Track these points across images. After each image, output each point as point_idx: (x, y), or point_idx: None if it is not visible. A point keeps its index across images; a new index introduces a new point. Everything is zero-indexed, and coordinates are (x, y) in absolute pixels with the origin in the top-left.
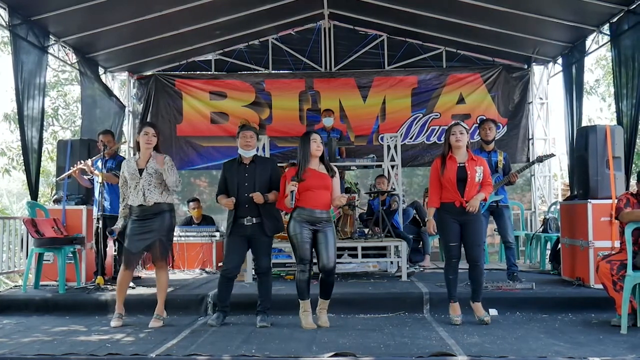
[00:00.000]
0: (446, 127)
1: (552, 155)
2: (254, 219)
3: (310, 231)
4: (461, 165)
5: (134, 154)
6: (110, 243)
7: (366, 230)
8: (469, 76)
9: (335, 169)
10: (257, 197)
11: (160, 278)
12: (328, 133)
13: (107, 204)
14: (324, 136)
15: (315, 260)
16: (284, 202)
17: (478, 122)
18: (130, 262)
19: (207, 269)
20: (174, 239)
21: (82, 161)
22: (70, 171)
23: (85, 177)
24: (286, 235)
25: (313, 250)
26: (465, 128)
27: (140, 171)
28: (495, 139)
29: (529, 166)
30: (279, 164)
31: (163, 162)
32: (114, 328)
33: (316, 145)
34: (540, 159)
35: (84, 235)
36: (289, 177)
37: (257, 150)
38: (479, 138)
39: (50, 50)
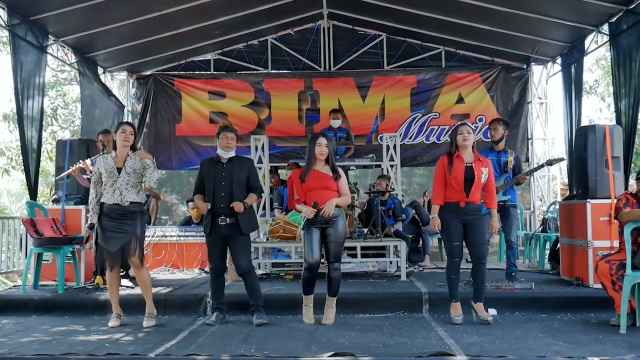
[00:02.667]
0: (445, 127)
1: (562, 159)
2: (228, 219)
3: (319, 230)
4: (468, 165)
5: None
6: None
7: (365, 230)
8: (468, 76)
9: (341, 171)
10: (238, 206)
11: (142, 277)
12: (335, 132)
13: None
14: (331, 135)
15: (323, 260)
16: (296, 207)
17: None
18: (113, 263)
19: (206, 269)
20: (175, 238)
21: (81, 161)
22: (70, 171)
23: (84, 176)
24: (286, 235)
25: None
26: (472, 128)
27: (119, 170)
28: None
29: (539, 168)
30: (279, 165)
31: (147, 156)
32: (112, 328)
33: (320, 150)
34: (550, 162)
35: (83, 235)
36: (294, 178)
37: (257, 151)
38: (489, 138)
39: (49, 50)
